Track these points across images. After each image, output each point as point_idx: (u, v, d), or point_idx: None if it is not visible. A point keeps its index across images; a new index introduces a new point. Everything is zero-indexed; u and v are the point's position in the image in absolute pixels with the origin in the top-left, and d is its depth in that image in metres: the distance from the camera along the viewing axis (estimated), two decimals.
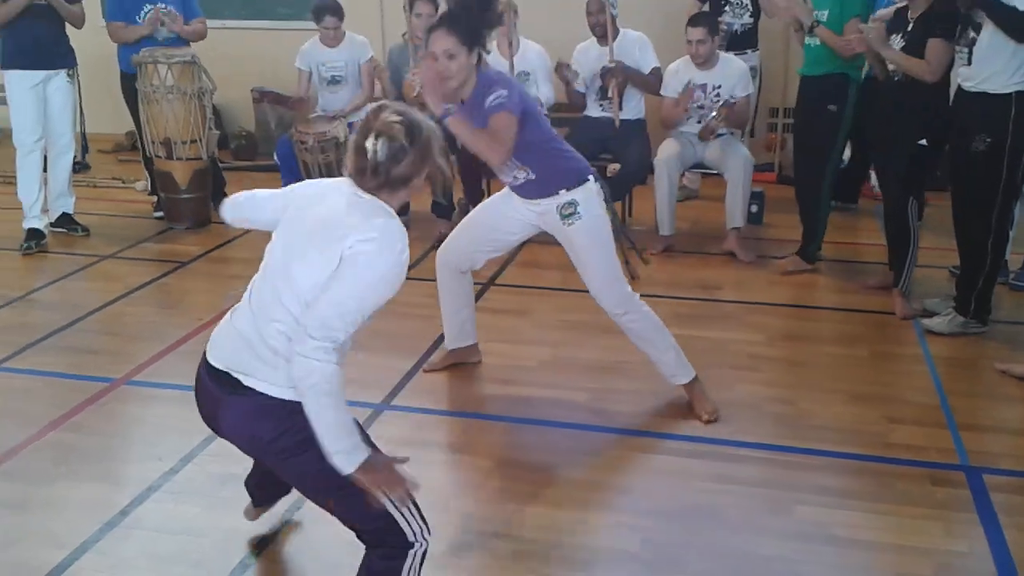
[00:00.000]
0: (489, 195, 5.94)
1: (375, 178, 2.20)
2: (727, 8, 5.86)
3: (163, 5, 5.60)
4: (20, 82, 5.31)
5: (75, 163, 5.83)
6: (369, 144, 2.17)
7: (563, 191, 3.32)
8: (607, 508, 2.95)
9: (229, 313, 2.34)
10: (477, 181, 5.74)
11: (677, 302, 4.57)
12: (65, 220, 5.67)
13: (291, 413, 2.12)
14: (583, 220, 3.32)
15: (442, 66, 3.07)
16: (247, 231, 5.63)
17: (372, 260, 2.12)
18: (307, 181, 2.53)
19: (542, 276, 4.90)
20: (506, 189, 3.52)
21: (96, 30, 5.97)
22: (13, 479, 3.11)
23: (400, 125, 2.18)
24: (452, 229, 5.52)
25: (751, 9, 5.94)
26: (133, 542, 2.79)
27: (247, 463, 3.16)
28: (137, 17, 5.59)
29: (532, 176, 3.31)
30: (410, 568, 2.26)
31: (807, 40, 4.73)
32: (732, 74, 5.19)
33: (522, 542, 2.78)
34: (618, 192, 5.60)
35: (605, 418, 3.47)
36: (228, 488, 3.04)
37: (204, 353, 2.30)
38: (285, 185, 5.40)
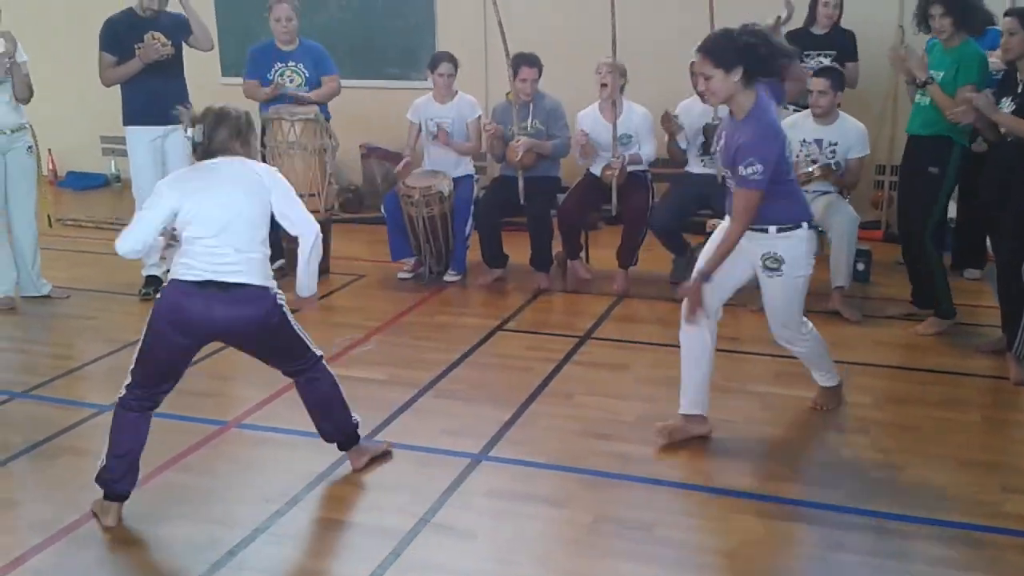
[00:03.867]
0: (587, 250, 6.02)
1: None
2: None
3: (294, 63, 5.84)
4: (140, 137, 5.57)
5: None
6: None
7: (772, 228, 3.45)
8: (708, 570, 2.90)
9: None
10: (576, 235, 5.79)
11: (780, 360, 4.49)
12: None
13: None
14: (783, 277, 3.50)
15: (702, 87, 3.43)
16: (356, 279, 5.79)
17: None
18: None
19: (640, 330, 4.89)
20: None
21: (213, 87, 6.26)
22: (126, 517, 3.22)
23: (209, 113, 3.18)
24: (550, 282, 5.65)
25: None
26: None
27: (351, 508, 3.26)
28: (268, 74, 5.84)
29: None
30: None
31: (917, 98, 4.69)
32: (850, 133, 5.14)
33: None
34: None
35: (706, 477, 3.43)
36: (332, 533, 3.11)
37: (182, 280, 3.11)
38: (392, 236, 5.45)
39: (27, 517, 3.24)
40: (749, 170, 3.28)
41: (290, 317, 3.28)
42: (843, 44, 5.92)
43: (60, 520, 3.18)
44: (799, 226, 3.46)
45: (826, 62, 5.84)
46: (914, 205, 4.80)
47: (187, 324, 3.08)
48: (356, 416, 3.50)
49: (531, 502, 3.30)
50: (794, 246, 3.47)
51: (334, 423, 3.44)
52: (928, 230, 4.73)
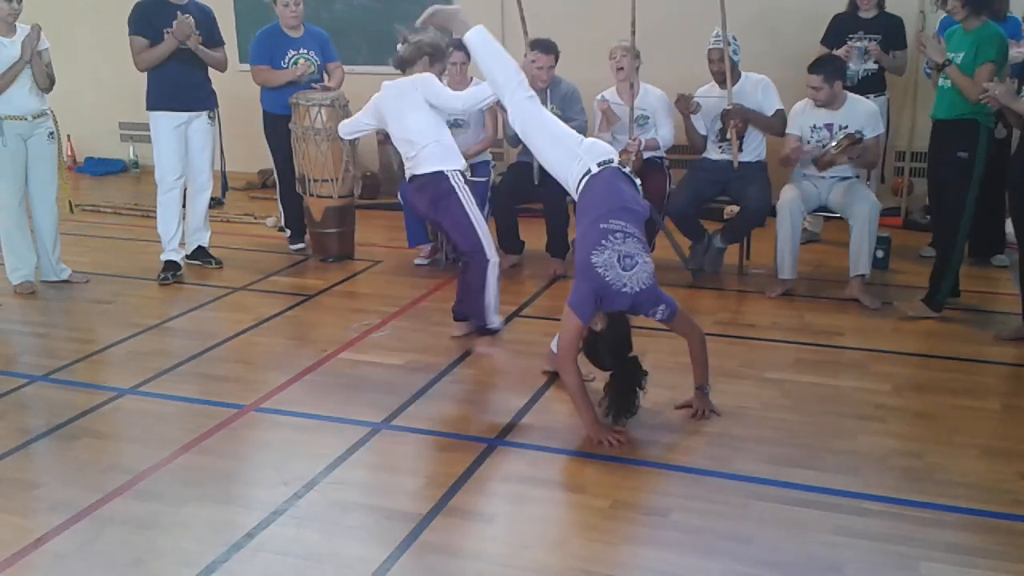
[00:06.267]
0: None
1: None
2: (854, 62, 5.77)
3: (305, 51, 5.84)
4: (164, 123, 5.61)
5: (213, 200, 6.11)
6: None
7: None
8: (725, 556, 2.89)
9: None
10: None
11: (798, 347, 4.49)
12: (200, 253, 5.94)
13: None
14: None
15: None
16: (372, 265, 5.83)
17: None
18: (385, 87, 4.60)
19: None
20: None
21: (231, 74, 6.27)
22: (146, 499, 3.26)
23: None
24: (566, 269, 5.64)
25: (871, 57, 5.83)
26: (258, 565, 2.88)
27: (368, 492, 3.28)
28: (282, 62, 5.84)
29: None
30: (491, 273, 4.37)
31: (940, 82, 4.64)
32: (860, 114, 5.09)
33: None
34: (736, 235, 5.57)
35: (723, 463, 3.42)
36: (349, 516, 3.12)
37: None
38: (409, 223, 5.59)
39: (48, 499, 3.27)
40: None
41: (461, 198, 4.32)
42: (890, 29, 5.86)
43: (80, 502, 3.21)
44: None
45: (870, 45, 5.80)
46: (947, 193, 4.75)
47: None
48: (497, 321, 4.48)
49: (547, 487, 3.31)
50: None
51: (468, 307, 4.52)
52: (963, 218, 4.64)
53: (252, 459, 3.58)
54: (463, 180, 4.41)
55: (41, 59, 5.25)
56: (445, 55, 4.56)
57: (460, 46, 5.78)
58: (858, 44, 5.81)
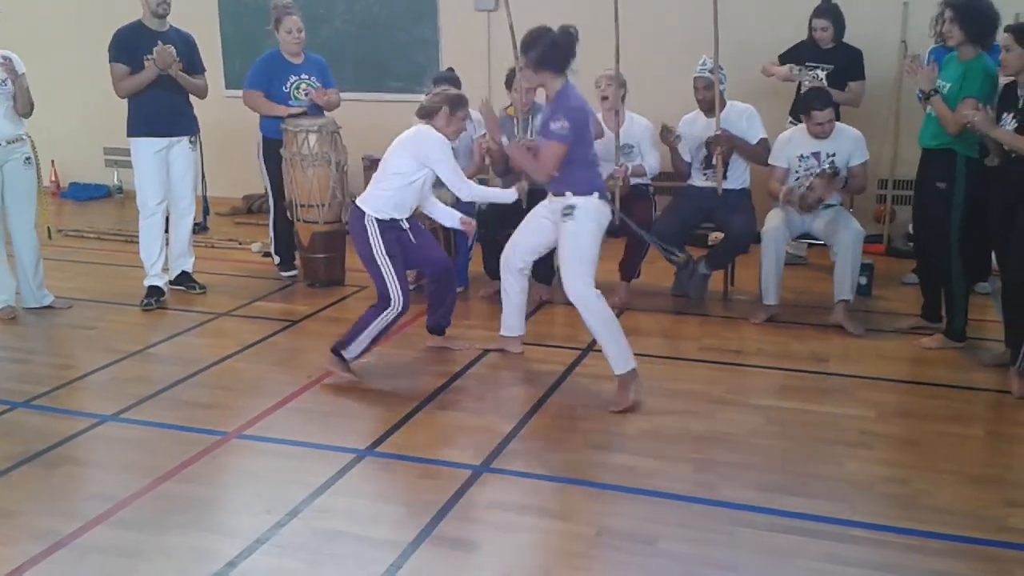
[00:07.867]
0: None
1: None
2: (807, 81, 5.85)
3: (307, 76, 5.86)
4: (145, 148, 5.59)
5: (195, 225, 6.09)
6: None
7: (570, 194, 4.17)
8: None
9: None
10: None
11: (783, 373, 4.50)
12: (184, 278, 5.91)
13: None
14: (575, 222, 4.14)
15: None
16: (359, 290, 5.81)
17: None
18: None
19: (642, 343, 4.85)
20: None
21: (217, 100, 6.28)
22: (127, 527, 3.22)
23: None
24: (552, 295, 5.65)
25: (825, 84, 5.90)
26: None
27: (352, 520, 3.25)
28: (283, 87, 5.86)
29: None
30: (382, 319, 4.36)
31: (928, 109, 4.66)
32: (846, 142, 5.14)
33: None
34: (721, 261, 5.59)
35: (710, 490, 3.41)
36: (332, 545, 3.09)
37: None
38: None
39: (27, 527, 3.23)
40: (557, 125, 4.05)
41: (372, 245, 4.36)
42: (847, 61, 5.92)
43: (61, 530, 3.17)
44: (590, 194, 4.16)
45: (822, 75, 5.86)
46: (927, 221, 4.78)
47: None
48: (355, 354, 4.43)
49: (533, 514, 3.29)
50: (587, 202, 4.16)
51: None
52: (952, 248, 4.64)
53: (235, 487, 3.55)
54: (378, 229, 4.38)
55: (21, 83, 5.23)
56: (465, 104, 4.55)
57: (449, 82, 5.80)
58: (798, 67, 5.90)
